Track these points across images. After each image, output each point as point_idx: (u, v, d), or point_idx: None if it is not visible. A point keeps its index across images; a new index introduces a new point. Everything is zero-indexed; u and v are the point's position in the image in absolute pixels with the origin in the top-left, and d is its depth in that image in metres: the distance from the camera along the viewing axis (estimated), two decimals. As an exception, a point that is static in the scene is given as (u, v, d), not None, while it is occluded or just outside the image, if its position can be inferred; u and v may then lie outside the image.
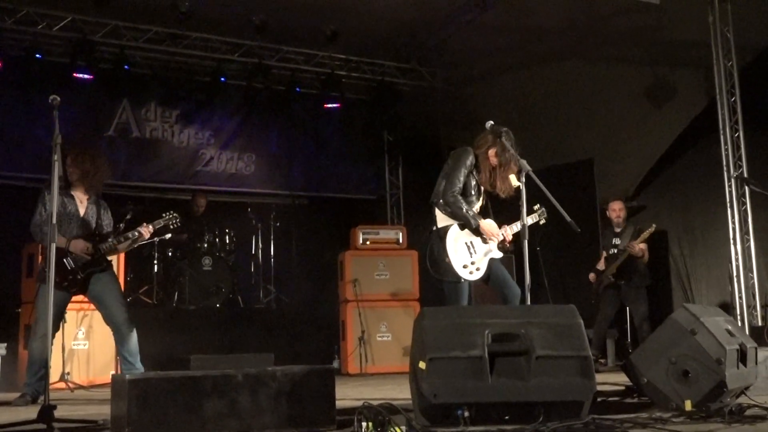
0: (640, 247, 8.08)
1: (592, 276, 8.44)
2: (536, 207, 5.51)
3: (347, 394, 5.65)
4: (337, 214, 11.03)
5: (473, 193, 5.32)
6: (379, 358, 8.80)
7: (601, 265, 8.42)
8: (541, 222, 5.59)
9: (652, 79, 9.53)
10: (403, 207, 11.66)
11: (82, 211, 6.01)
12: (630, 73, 9.60)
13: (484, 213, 5.44)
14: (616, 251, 8.28)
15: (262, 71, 10.07)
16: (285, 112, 10.80)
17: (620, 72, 9.65)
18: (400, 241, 9.29)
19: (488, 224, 5.27)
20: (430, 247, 5.32)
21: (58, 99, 4.49)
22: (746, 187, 8.31)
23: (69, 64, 9.20)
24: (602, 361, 8.46)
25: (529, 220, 5.40)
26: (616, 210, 8.43)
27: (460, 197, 5.24)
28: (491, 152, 5.28)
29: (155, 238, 6.28)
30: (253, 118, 10.81)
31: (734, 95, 8.45)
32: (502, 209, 5.50)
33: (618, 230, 8.40)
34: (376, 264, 9.08)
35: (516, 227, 5.31)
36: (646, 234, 8.05)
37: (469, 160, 5.31)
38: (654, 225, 8.12)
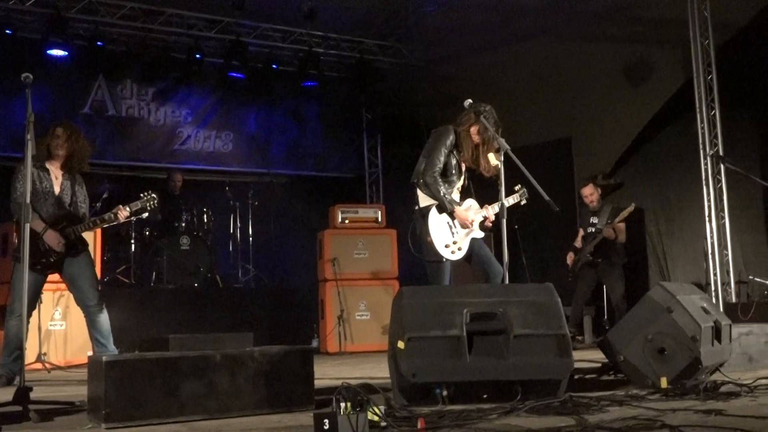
0: (617, 227, 8.14)
1: (570, 256, 8.49)
2: (517, 187, 5.51)
3: (326, 374, 5.66)
4: (315, 192, 11.00)
5: (454, 172, 5.31)
6: (358, 336, 8.83)
7: (578, 243, 8.48)
8: (522, 202, 5.58)
9: (630, 57, 9.56)
10: (382, 186, 11.66)
11: (57, 188, 5.93)
12: (608, 51, 9.63)
13: (465, 192, 5.43)
14: (593, 230, 8.33)
15: (240, 48, 9.97)
16: (263, 90, 10.72)
17: (598, 50, 9.67)
18: (379, 219, 9.29)
19: (461, 212, 5.24)
20: (412, 227, 5.32)
21: (31, 77, 4.41)
22: (721, 165, 8.39)
23: (42, 41, 9.05)
24: (579, 338, 8.53)
25: (511, 200, 5.40)
26: (587, 195, 8.47)
27: (439, 178, 5.22)
28: (473, 130, 5.26)
29: (132, 218, 6.19)
30: (231, 96, 10.73)
31: (711, 73, 8.49)
32: (485, 188, 5.50)
33: (595, 209, 8.45)
34: (355, 243, 9.08)
35: (497, 207, 5.32)
36: (624, 213, 8.10)
37: (450, 139, 5.28)
38: (633, 204, 8.18)
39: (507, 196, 5.15)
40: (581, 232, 8.51)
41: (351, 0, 9.65)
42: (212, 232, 9.89)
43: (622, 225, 8.19)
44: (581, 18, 9.43)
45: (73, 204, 6.00)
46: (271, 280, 10.38)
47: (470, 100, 5.18)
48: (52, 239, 5.78)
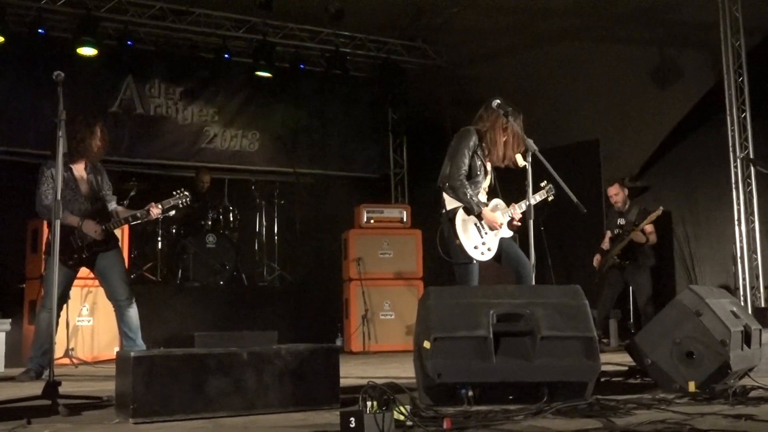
0: (646, 229, 8.07)
1: (597, 258, 8.43)
2: (543, 183, 5.42)
3: (350, 373, 5.67)
4: (341, 192, 11.00)
5: (479, 173, 5.27)
6: (382, 336, 8.83)
7: (605, 245, 8.42)
8: (549, 198, 5.49)
9: (659, 59, 9.47)
10: (407, 186, 11.66)
11: (83, 186, 5.98)
12: (635, 53, 9.54)
13: (492, 192, 5.40)
14: (620, 231, 8.26)
15: (267, 48, 10.02)
16: (289, 90, 10.76)
17: (625, 52, 9.58)
18: (404, 219, 9.29)
19: (489, 213, 5.21)
20: (440, 231, 5.28)
21: (62, 75, 4.46)
22: (752, 168, 8.28)
23: (73, 40, 9.15)
24: (605, 341, 8.47)
25: (537, 197, 5.35)
26: (613, 195, 8.43)
27: (465, 181, 5.18)
28: (498, 127, 5.21)
29: (161, 215, 6.22)
30: (258, 96, 10.77)
31: (742, 75, 8.39)
32: (510, 188, 5.47)
33: (621, 210, 8.39)
34: (380, 243, 9.09)
35: (524, 206, 5.28)
36: (653, 216, 8.03)
37: (472, 140, 5.24)
38: (661, 208, 8.10)
39: (533, 193, 5.11)
40: (608, 234, 8.46)
41: (378, 1, 9.65)
42: (238, 230, 9.94)
43: (651, 228, 8.12)
44: (608, 20, 9.36)
45: (100, 198, 6.04)
46: (296, 279, 10.41)
47: (498, 100, 5.15)
48: (90, 228, 5.83)
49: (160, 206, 5.98)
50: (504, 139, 5.22)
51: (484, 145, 5.26)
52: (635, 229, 8.08)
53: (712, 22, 8.43)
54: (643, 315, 7.98)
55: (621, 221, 8.33)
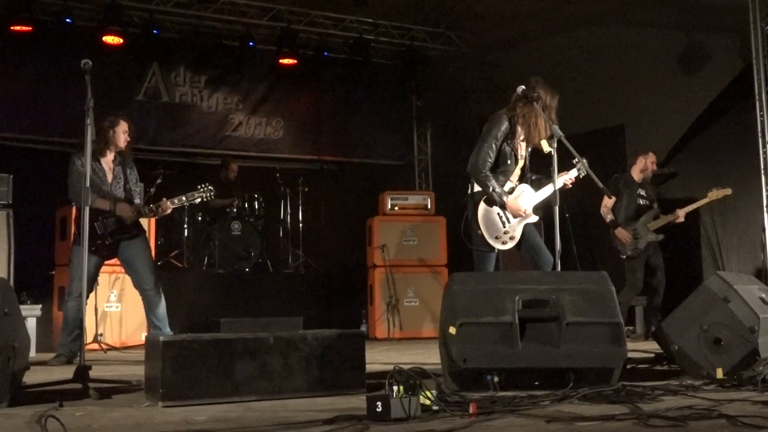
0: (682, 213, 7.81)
1: (622, 232, 7.77)
2: (575, 161, 5.33)
3: (376, 359, 5.69)
4: (365, 179, 11.00)
5: (509, 161, 5.20)
6: (406, 323, 8.85)
7: (608, 213, 7.89)
8: (581, 175, 5.42)
9: (686, 43, 9.36)
10: (431, 173, 11.63)
11: (110, 177, 6.06)
12: (662, 38, 9.43)
13: (523, 176, 5.35)
14: (643, 202, 7.97)
15: (291, 36, 10.03)
16: (313, 77, 10.77)
17: (652, 37, 9.48)
18: (429, 206, 9.29)
19: (513, 202, 5.17)
20: (465, 217, 5.26)
21: (90, 63, 4.51)
22: (781, 154, 8.17)
23: (98, 29, 9.21)
24: (630, 328, 8.37)
25: (574, 172, 5.30)
26: (651, 164, 8.04)
27: (489, 174, 5.12)
28: (528, 111, 5.15)
29: (186, 204, 6.30)
30: (282, 83, 10.79)
31: (771, 59, 8.27)
32: (542, 169, 5.43)
33: (648, 182, 8.10)
34: (404, 229, 9.09)
35: (574, 172, 5.26)
36: (720, 193, 7.67)
37: (503, 127, 5.16)
38: (730, 189, 7.72)
39: (565, 170, 5.09)
40: (611, 201, 7.83)
41: (401, -14, 9.64)
42: (263, 217, 10.00)
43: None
44: (634, 4, 9.26)
45: (126, 191, 6.11)
46: (320, 266, 10.45)
47: (523, 86, 5.12)
48: (125, 210, 5.91)
49: (175, 201, 6.07)
50: (534, 117, 5.14)
51: (518, 130, 5.20)
52: (686, 208, 7.74)
53: (741, 5, 8.31)
54: (659, 284, 7.77)
55: (642, 192, 7.99)
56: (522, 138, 5.22)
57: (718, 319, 4.18)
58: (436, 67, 11.07)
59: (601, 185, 4.85)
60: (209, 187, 6.18)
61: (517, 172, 5.29)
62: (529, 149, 5.32)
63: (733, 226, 9.34)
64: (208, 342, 3.63)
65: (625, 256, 7.82)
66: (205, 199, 6.25)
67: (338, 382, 3.81)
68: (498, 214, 5.17)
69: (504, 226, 5.16)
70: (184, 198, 6.10)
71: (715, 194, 7.68)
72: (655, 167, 8.16)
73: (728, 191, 7.69)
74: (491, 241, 5.14)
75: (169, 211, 6.11)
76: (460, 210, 5.35)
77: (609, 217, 7.81)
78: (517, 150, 5.24)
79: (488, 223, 5.16)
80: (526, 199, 5.24)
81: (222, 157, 10.24)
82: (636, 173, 8.07)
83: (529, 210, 5.23)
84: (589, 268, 8.76)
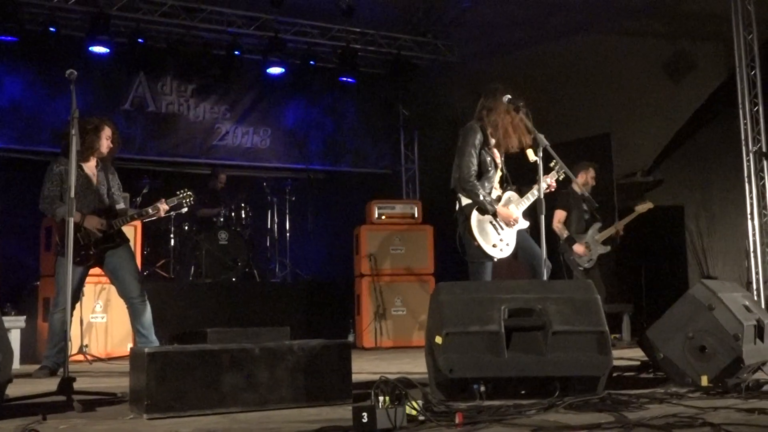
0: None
1: (580, 248, 7.74)
2: (552, 164, 5.35)
3: (363, 368, 5.68)
4: (352, 188, 11.01)
5: (490, 168, 5.28)
6: (394, 332, 8.84)
7: (561, 220, 7.83)
8: (561, 178, 5.46)
9: (671, 52, 9.43)
10: (418, 182, 11.65)
11: (95, 181, 6.03)
12: (648, 46, 9.51)
13: (505, 183, 5.39)
14: (587, 216, 7.84)
15: (278, 45, 10.03)
16: (301, 86, 10.78)
17: (638, 45, 9.55)
18: (416, 215, 9.29)
19: (503, 210, 5.22)
20: (459, 232, 5.29)
21: (75, 73, 4.49)
22: (764, 162, 8.24)
23: (85, 38, 9.19)
24: (617, 336, 8.41)
25: (549, 179, 5.32)
26: (591, 179, 7.87)
27: (476, 182, 5.19)
28: (501, 112, 5.18)
29: (171, 213, 6.29)
30: (269, 93, 10.80)
31: (754, 69, 8.34)
32: (521, 177, 5.46)
33: (585, 194, 8.11)
34: (392, 238, 9.08)
35: (554, 175, 5.29)
36: (641, 210, 7.89)
37: (477, 137, 5.25)
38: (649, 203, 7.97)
39: (545, 174, 5.11)
40: (563, 215, 7.80)
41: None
42: (250, 227, 9.97)
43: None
44: (621, 13, 9.33)
45: (109, 196, 6.09)
46: (308, 275, 10.43)
47: (509, 96, 5.15)
48: (93, 222, 5.87)
49: (167, 204, 6.04)
50: (509, 122, 5.17)
51: (490, 137, 5.27)
52: (622, 221, 7.88)
53: (725, 14, 8.38)
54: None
55: (585, 206, 7.84)
56: (494, 144, 5.28)
57: (703, 327, 4.19)
58: (423, 76, 11.09)
59: (587, 194, 4.88)
60: (188, 193, 6.17)
61: (498, 179, 5.35)
62: (503, 157, 5.37)
63: (718, 233, 9.39)
64: (194, 353, 3.61)
65: (582, 268, 7.88)
66: (185, 205, 6.23)
67: (325, 392, 3.80)
68: (491, 222, 5.21)
69: (498, 234, 5.22)
70: (167, 203, 6.08)
71: (641, 208, 7.89)
72: (594, 182, 8.12)
73: (650, 205, 7.91)
74: (489, 251, 5.19)
75: (163, 213, 6.08)
76: (452, 224, 5.37)
77: (565, 234, 7.84)
78: (494, 157, 5.31)
79: (483, 233, 5.20)
80: (514, 206, 5.31)
81: (212, 167, 10.22)
82: (578, 188, 8.03)
83: (520, 216, 5.29)
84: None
